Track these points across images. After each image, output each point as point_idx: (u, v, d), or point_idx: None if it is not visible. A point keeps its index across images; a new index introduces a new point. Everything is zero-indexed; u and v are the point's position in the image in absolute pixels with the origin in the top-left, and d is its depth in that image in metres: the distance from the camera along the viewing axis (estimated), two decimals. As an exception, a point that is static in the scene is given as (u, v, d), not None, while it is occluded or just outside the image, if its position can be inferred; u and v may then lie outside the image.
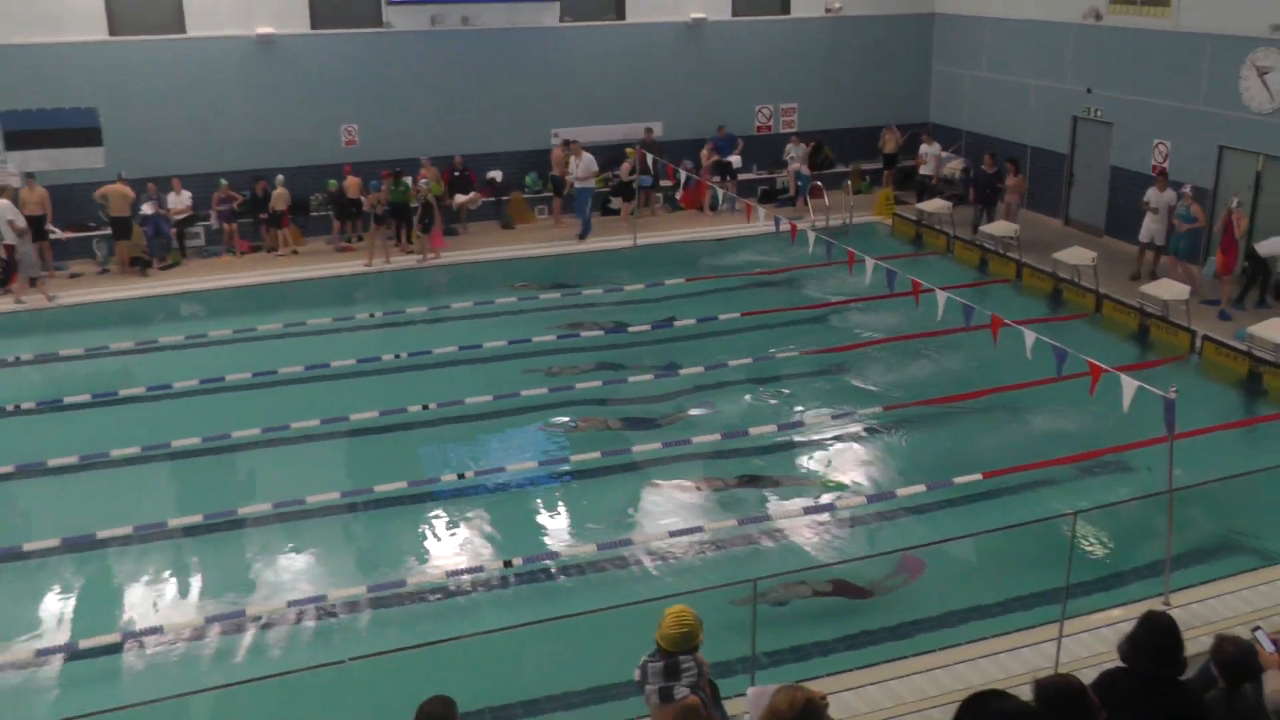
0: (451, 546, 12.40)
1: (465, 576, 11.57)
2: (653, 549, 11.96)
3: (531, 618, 10.17)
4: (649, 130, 25.41)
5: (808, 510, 12.60)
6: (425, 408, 15.61)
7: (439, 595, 11.37)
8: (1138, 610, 9.69)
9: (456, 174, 24.26)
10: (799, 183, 25.55)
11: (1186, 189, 19.17)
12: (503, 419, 15.56)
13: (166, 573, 12.08)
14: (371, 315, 19.81)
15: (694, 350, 17.40)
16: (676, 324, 18.50)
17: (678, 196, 25.08)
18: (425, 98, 24.51)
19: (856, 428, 14.87)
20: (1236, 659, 5.94)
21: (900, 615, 10.60)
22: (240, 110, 23.56)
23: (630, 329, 18.43)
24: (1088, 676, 5.57)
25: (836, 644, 10.19)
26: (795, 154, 25.92)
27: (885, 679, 9.21)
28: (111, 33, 22.65)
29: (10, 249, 20.60)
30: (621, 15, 25.57)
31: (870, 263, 15.72)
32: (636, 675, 6.81)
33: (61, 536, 12.52)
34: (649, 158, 23.71)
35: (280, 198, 23.06)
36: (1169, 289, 17.67)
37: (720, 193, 22.17)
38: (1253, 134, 19.02)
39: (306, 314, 19.68)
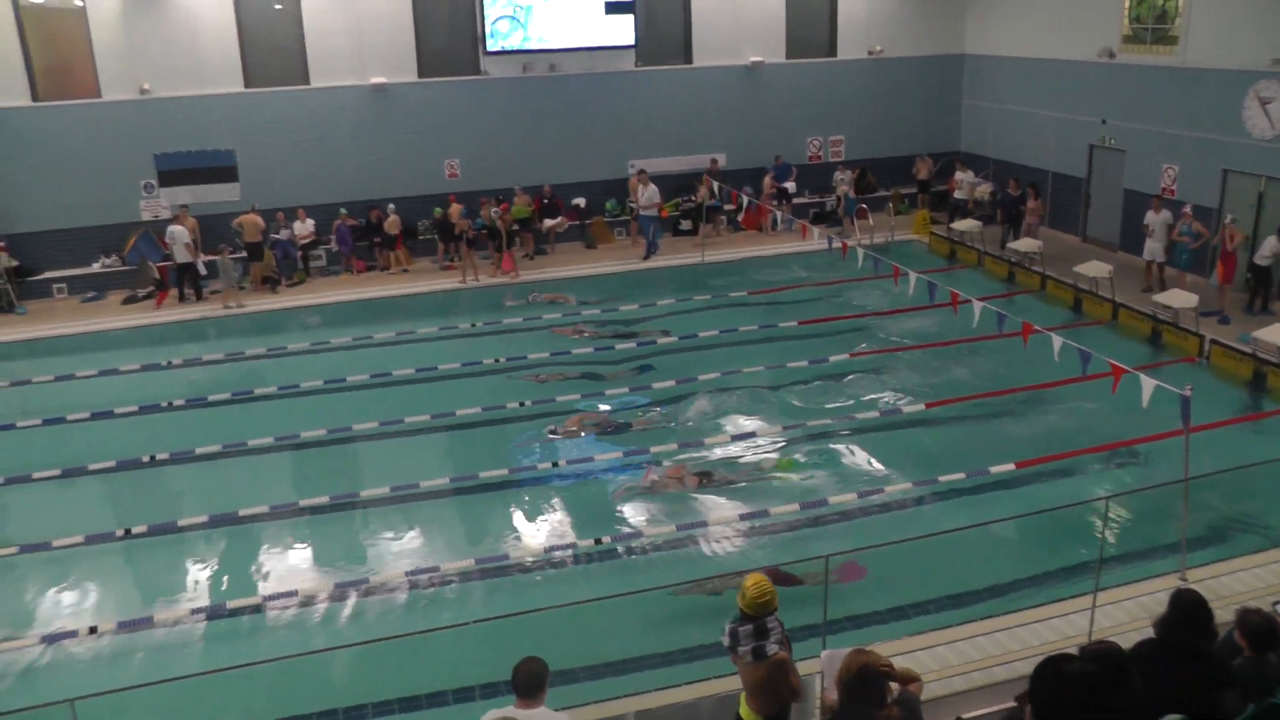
0: (547, 525, 12.41)
1: (559, 552, 11.61)
2: (723, 531, 11.90)
3: (620, 588, 10.24)
4: (714, 160, 25.35)
5: (861, 494, 12.47)
6: (521, 404, 15.69)
7: (539, 566, 11.40)
8: (1160, 585, 9.62)
9: (545, 201, 24.42)
10: (846, 205, 25.34)
11: (1187, 209, 18.86)
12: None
13: (299, 545, 12.30)
14: (473, 325, 19.82)
15: (756, 354, 17.25)
16: (740, 329, 18.39)
17: (740, 219, 25.12)
18: (518, 134, 24.60)
19: (901, 422, 14.68)
20: (1262, 628, 5.80)
21: (951, 588, 10.48)
22: (356, 148, 23.84)
23: (700, 334, 18.35)
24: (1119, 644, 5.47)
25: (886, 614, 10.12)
26: (843, 180, 25.73)
27: (935, 644, 9.09)
28: (247, 85, 23.12)
29: (183, 267, 21.47)
30: (689, 60, 25.52)
31: (913, 276, 15.55)
32: (725, 640, 6.76)
33: (209, 514, 12.80)
34: (714, 184, 23.68)
35: (393, 223, 23.30)
36: (1179, 298, 17.32)
37: (778, 215, 22.07)
38: (1255, 158, 18.53)
39: (415, 323, 19.82)
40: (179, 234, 21.30)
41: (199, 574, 11.79)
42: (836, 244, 18.25)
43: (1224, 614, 6.44)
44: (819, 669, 6.92)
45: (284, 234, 22.72)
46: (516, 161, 24.56)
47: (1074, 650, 4.97)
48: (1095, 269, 18.95)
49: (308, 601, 10.92)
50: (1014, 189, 22.34)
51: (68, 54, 22.36)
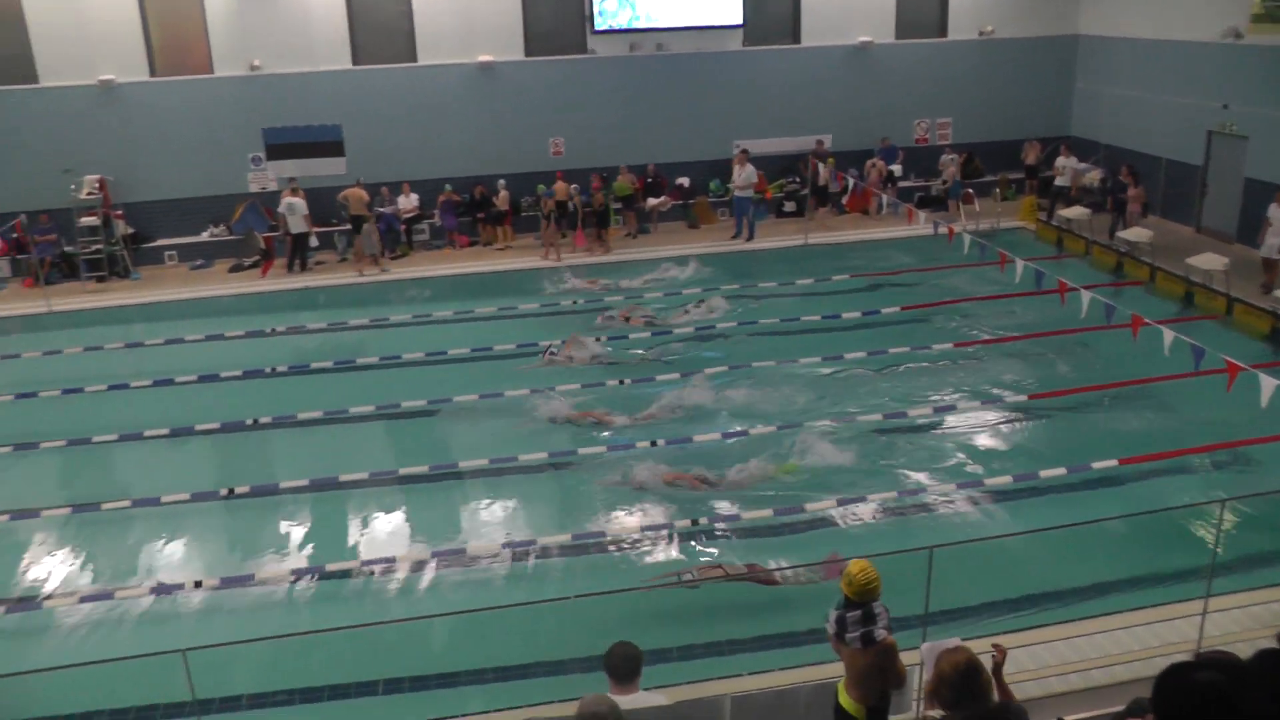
0: (639, 505, 12.30)
1: (651, 532, 11.60)
2: (826, 515, 11.77)
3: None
4: (820, 142, 25.08)
5: (960, 486, 12.23)
6: (621, 383, 15.69)
7: (634, 545, 11.41)
8: (1277, 595, 9.28)
9: (649, 180, 24.44)
10: (952, 190, 24.88)
11: (1315, 201, 17.97)
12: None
13: (397, 513, 12.46)
14: (574, 303, 19.77)
15: (856, 340, 16.97)
16: (843, 316, 18.13)
17: (844, 201, 24.81)
18: (623, 113, 24.64)
19: (1003, 413, 14.36)
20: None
21: (1050, 585, 10.23)
22: (461, 125, 24.09)
23: (801, 318, 18.13)
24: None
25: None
26: (950, 163, 25.24)
27: (1032, 643, 8.86)
28: (355, 62, 23.55)
29: (296, 238, 22.18)
30: (797, 39, 25.24)
31: (1019, 264, 15.23)
32: (831, 628, 6.69)
33: (309, 478, 13.07)
34: (821, 166, 23.39)
35: (503, 199, 23.51)
36: (1302, 294, 16.65)
37: (884, 198, 21.75)
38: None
39: (517, 300, 19.96)
40: (297, 205, 21.93)
41: (298, 535, 12.07)
42: (942, 229, 17.93)
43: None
44: (918, 660, 6.82)
45: (388, 208, 23.12)
46: (621, 140, 24.61)
47: (1186, 658, 4.82)
48: (1209, 261, 18.28)
49: (404, 568, 11.06)
50: (1125, 176, 21.67)
51: (184, 32, 23.03)
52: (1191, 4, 22.23)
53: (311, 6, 23.07)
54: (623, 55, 24.44)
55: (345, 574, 11.07)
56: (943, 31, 25.97)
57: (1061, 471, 12.35)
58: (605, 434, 14.03)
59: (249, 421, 14.93)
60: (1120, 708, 5.35)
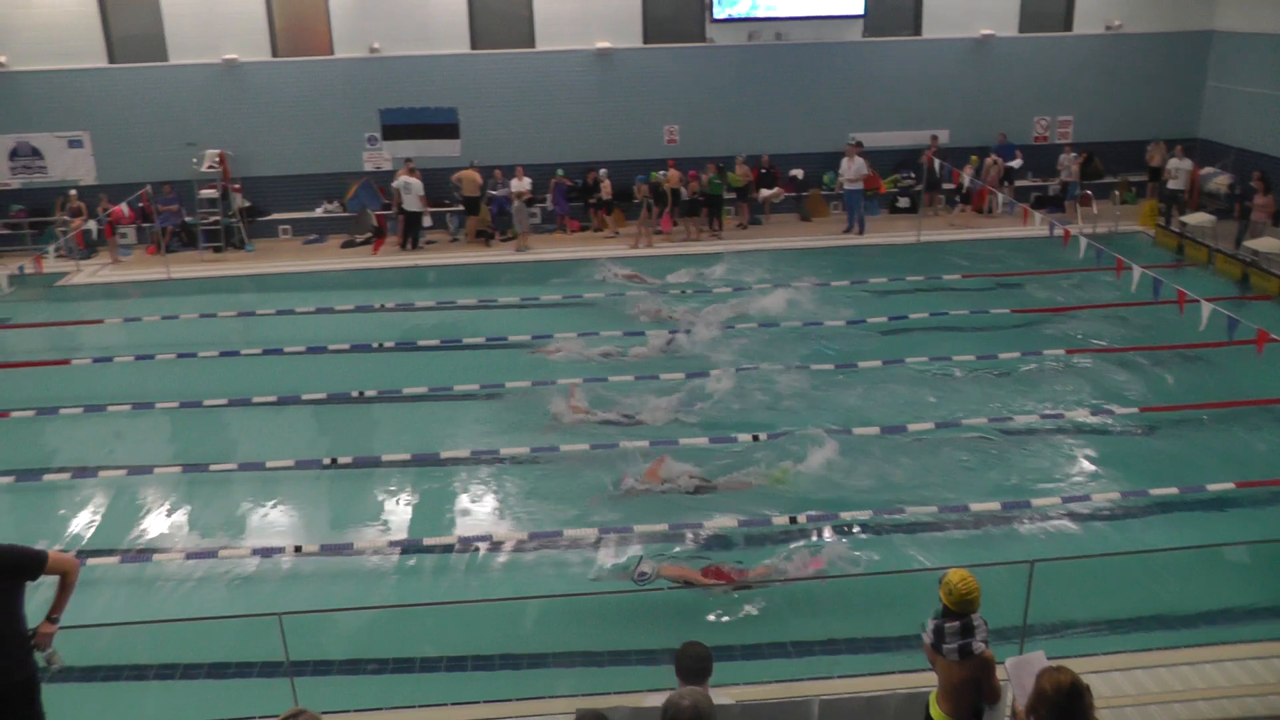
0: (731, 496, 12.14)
1: (752, 528, 11.51)
2: (917, 520, 11.52)
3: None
4: (935, 137, 24.62)
5: (1065, 499, 11.82)
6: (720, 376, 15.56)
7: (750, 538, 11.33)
8: None
9: (763, 170, 24.30)
10: (1069, 190, 24.23)
11: None
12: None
13: (496, 491, 12.47)
14: (684, 292, 19.54)
15: (966, 342, 16.59)
16: (950, 314, 17.74)
17: (959, 199, 24.34)
18: (739, 103, 24.51)
19: (1113, 425, 13.81)
20: None
21: (1156, 609, 9.86)
22: (577, 111, 24.25)
23: (910, 316, 17.79)
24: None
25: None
26: (1068, 163, 24.56)
27: (1133, 667, 8.54)
28: (473, 47, 23.84)
29: (410, 217, 22.67)
30: (918, 31, 24.80)
31: (1136, 270, 14.75)
32: (928, 637, 6.55)
33: (411, 452, 13.24)
34: (937, 162, 22.93)
35: (605, 188, 23.59)
36: None
37: (999, 196, 21.28)
38: None
39: (624, 284, 19.99)
40: (414, 185, 22.32)
41: (397, 508, 12.22)
42: (1058, 231, 17.46)
43: None
44: (1004, 676, 6.65)
45: (501, 190, 23.39)
46: (736, 129, 24.51)
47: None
48: (1344, 276, 17.51)
49: (500, 547, 11.11)
50: (1256, 182, 20.75)
51: (306, 14, 23.64)
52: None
53: (432, -9, 23.50)
54: (741, 44, 24.29)
55: (442, 549, 11.14)
56: (1068, 25, 25.20)
57: (1173, 490, 11.83)
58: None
59: (354, 394, 15.22)
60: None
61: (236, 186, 23.59)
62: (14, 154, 23.67)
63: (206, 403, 15.05)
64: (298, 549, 11.20)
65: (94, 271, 22.38)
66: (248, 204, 23.82)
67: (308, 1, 23.57)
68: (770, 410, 14.25)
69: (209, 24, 23.21)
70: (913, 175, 24.62)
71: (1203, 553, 10.31)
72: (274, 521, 12.03)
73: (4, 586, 6.39)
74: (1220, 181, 23.18)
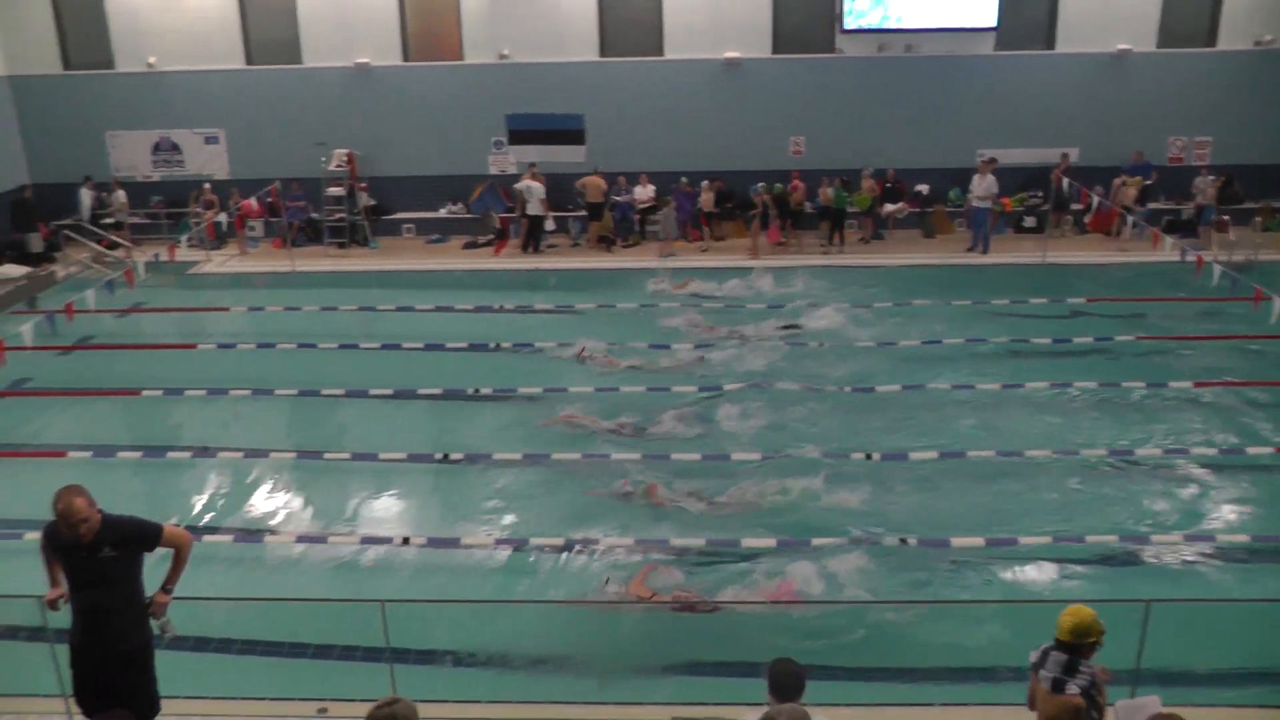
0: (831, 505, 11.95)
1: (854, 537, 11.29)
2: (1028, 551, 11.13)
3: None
4: (1065, 155, 23.97)
5: (1188, 538, 11.22)
6: (843, 390, 15.30)
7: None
8: None
9: (888, 185, 24.05)
10: (1205, 215, 23.37)
11: None
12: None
13: (608, 494, 12.22)
14: (811, 304, 19.17)
15: (1088, 368, 15.94)
16: (1075, 340, 17.13)
17: (1086, 220, 23.69)
18: (866, 115, 24.32)
19: (1245, 465, 13.06)
20: None
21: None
22: (703, 120, 24.33)
23: (1032, 340, 17.18)
24: None
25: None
26: (1205, 186, 23.70)
27: None
28: (602, 54, 24.14)
29: (533, 221, 22.97)
30: (1051, 45, 24.21)
31: (1277, 302, 14.11)
32: (1034, 656, 6.37)
33: (522, 452, 13.28)
34: (1065, 181, 22.37)
35: (707, 200, 23.65)
36: None
37: (1130, 218, 20.62)
38: None
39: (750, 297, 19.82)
40: (535, 189, 22.63)
41: (507, 506, 12.22)
42: (1190, 257, 16.83)
43: None
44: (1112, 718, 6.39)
45: (625, 197, 23.56)
46: (862, 142, 24.32)
47: None
48: None
49: (610, 550, 11.00)
50: None
51: (438, 20, 24.26)
52: None
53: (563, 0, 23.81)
54: (870, 56, 24.08)
55: (551, 549, 11.08)
56: (1211, 40, 24.27)
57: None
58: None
59: (469, 391, 15.40)
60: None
61: (363, 185, 24.23)
62: (156, 148, 24.83)
63: (324, 392, 15.47)
64: (405, 540, 11.35)
65: (223, 262, 23.28)
66: (373, 202, 24.43)
67: (440, 7, 24.12)
68: (888, 431, 13.98)
69: (343, 29, 23.98)
70: (1040, 194, 24.04)
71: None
72: (383, 511, 12.25)
73: (124, 556, 6.65)
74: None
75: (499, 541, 11.33)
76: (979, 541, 11.12)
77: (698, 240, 23.86)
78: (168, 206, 24.98)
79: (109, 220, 23.98)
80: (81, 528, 6.41)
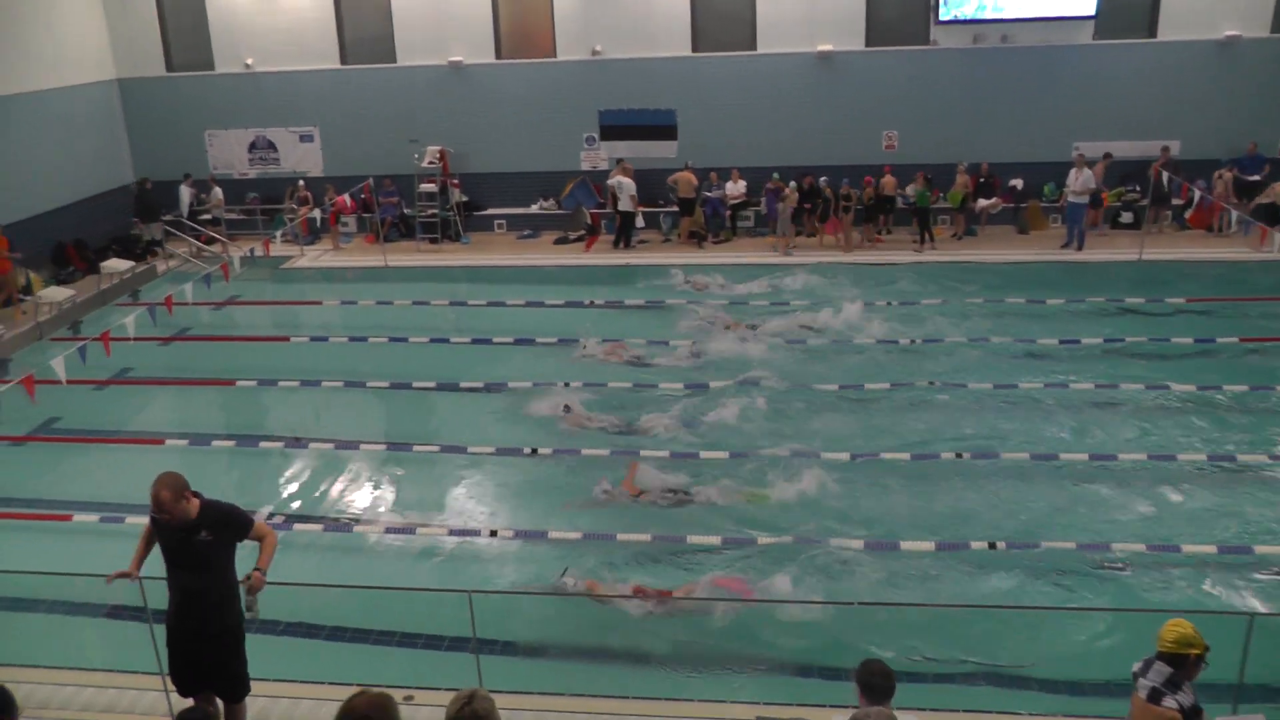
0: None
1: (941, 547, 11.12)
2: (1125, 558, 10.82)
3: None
4: (1165, 148, 23.18)
5: (1222, 550, 10.76)
6: (930, 384, 15.11)
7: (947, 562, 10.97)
8: None
9: (982, 180, 23.53)
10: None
11: None
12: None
13: (692, 489, 12.16)
14: (889, 304, 18.93)
15: (1186, 370, 15.39)
16: (1172, 341, 16.61)
17: (1187, 216, 22.97)
18: (960, 108, 23.85)
19: None
20: None
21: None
22: (795, 115, 24.12)
23: (1127, 339, 16.69)
24: None
25: None
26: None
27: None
28: (694, 49, 24.06)
29: (624, 216, 23.08)
30: (1152, 33, 23.39)
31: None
32: (1137, 665, 6.19)
33: (610, 449, 13.26)
34: (1165, 175, 21.67)
35: (791, 199, 23.13)
36: None
37: (1235, 214, 19.89)
38: None
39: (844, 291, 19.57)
40: (627, 185, 22.69)
41: (595, 501, 12.14)
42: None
43: None
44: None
45: (716, 193, 23.50)
46: (956, 136, 23.84)
47: None
48: None
49: (696, 549, 10.97)
50: None
51: (531, 18, 24.43)
52: None
53: (655, -5, 23.83)
54: (965, 47, 23.62)
55: (636, 544, 11.07)
56: (1331, 23, 23.12)
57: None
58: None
59: (560, 384, 15.38)
60: None
61: (455, 182, 24.50)
62: (252, 146, 25.40)
63: (415, 385, 15.72)
64: (493, 533, 11.47)
65: (316, 256, 23.75)
66: (465, 198, 24.70)
67: (533, 5, 24.29)
68: (972, 431, 13.75)
69: (437, 27, 24.28)
70: (1138, 189, 23.37)
71: None
72: (471, 503, 12.38)
73: (218, 540, 6.85)
74: None
75: (586, 536, 11.35)
76: (1070, 545, 10.89)
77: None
78: (263, 203, 25.57)
79: (206, 216, 24.59)
80: (163, 518, 6.69)
